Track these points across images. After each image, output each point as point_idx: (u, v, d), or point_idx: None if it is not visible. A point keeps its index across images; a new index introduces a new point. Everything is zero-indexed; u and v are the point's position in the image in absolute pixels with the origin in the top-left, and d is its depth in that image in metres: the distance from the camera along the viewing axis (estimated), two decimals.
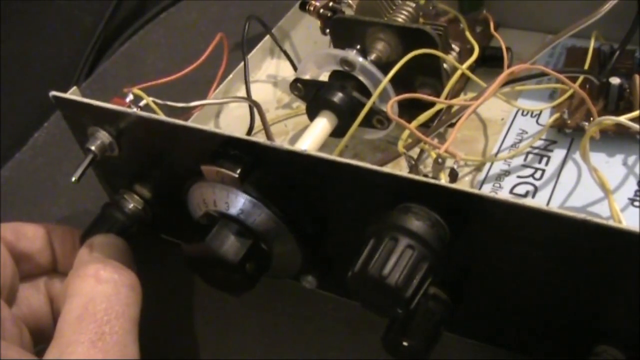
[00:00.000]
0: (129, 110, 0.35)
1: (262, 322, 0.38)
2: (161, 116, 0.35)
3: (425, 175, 0.34)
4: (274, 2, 0.56)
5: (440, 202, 0.28)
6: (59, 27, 0.58)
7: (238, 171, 0.32)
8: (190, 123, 0.33)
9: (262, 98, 0.46)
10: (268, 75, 0.50)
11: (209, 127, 0.34)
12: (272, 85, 0.49)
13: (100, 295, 0.31)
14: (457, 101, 0.41)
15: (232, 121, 0.47)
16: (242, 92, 0.47)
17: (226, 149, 0.32)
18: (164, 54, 0.58)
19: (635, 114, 0.36)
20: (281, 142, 0.44)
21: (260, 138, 0.32)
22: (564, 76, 0.37)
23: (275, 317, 0.38)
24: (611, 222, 0.26)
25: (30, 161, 0.51)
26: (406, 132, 0.38)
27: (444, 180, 0.34)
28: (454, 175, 0.35)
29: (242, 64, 0.47)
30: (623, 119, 0.35)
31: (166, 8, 0.62)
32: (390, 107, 0.36)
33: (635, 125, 0.34)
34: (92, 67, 0.60)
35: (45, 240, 0.37)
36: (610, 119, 0.35)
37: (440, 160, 0.35)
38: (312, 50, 0.48)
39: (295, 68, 0.48)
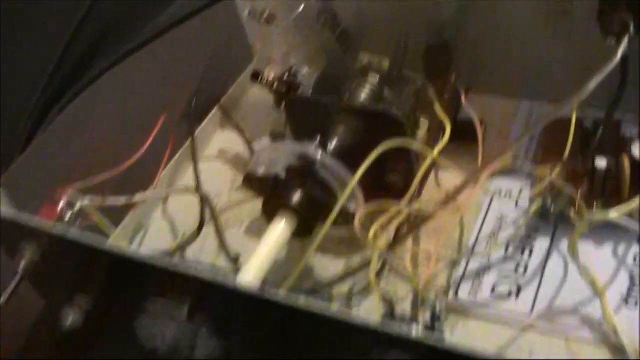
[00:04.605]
0: (57, 228, 0.30)
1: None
2: (89, 237, 0.30)
3: (402, 318, 0.31)
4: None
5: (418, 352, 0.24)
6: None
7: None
8: (122, 248, 0.29)
9: (213, 179, 0.43)
10: (220, 150, 0.46)
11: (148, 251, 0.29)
12: (224, 163, 0.45)
13: None
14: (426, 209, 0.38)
15: (181, 209, 0.42)
16: (191, 171, 0.43)
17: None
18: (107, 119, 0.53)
19: (626, 207, 0.32)
20: (237, 231, 0.40)
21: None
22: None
23: None
24: None
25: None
26: (375, 226, 0.34)
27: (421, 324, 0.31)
28: (435, 319, 0.31)
29: (190, 140, 0.43)
30: (616, 214, 0.32)
31: (109, 68, 0.57)
32: (359, 221, 0.32)
33: (633, 225, 0.31)
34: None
35: None
36: (601, 216, 0.32)
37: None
38: (266, 120, 0.45)
39: (248, 143, 0.44)
